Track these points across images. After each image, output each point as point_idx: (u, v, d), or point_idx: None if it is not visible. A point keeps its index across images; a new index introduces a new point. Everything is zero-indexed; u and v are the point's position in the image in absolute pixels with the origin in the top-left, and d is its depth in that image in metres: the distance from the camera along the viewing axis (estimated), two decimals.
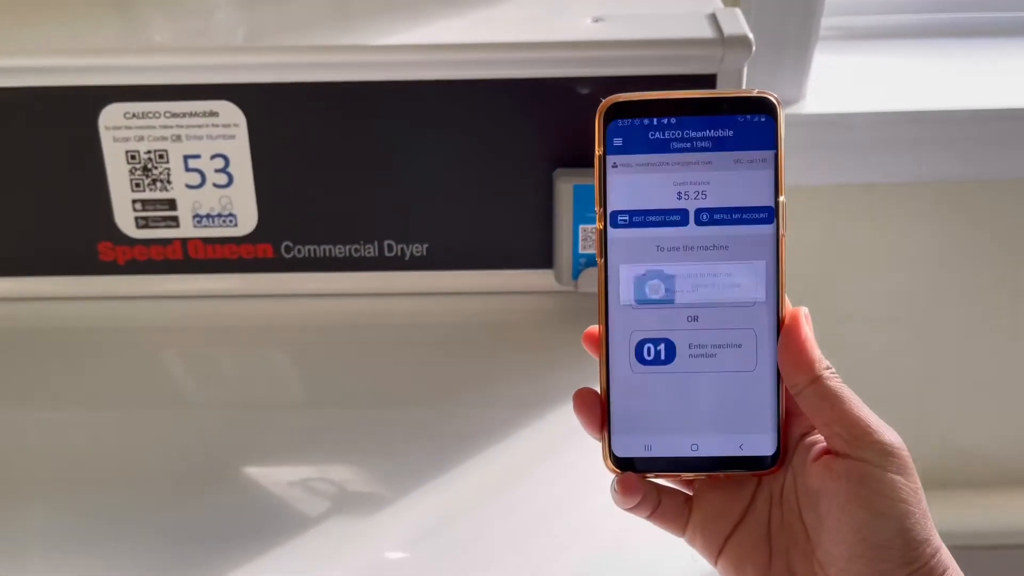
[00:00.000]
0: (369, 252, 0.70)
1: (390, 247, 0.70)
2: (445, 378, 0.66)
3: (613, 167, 0.38)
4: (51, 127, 0.66)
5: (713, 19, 0.64)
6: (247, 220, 0.69)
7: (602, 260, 0.39)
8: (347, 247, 0.69)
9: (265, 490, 0.58)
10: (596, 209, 0.39)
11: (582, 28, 0.65)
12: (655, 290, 0.39)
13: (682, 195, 0.38)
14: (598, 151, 0.39)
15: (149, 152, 0.66)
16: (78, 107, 0.65)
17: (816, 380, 0.37)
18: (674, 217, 0.38)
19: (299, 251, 0.70)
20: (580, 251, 0.68)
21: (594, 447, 0.59)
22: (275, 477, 0.59)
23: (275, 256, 0.70)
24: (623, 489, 0.39)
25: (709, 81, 0.63)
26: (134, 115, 0.65)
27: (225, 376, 0.69)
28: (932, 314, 1.00)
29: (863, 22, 0.95)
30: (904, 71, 0.91)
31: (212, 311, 0.70)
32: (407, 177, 0.67)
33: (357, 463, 0.60)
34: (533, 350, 0.68)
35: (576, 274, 0.69)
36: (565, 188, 0.66)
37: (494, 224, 0.69)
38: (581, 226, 0.67)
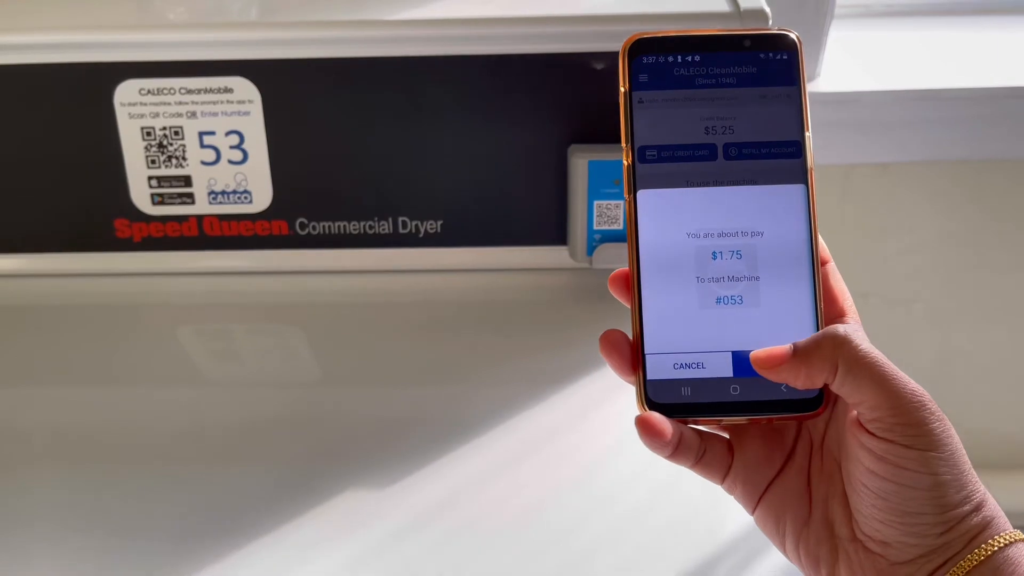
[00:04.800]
0: (383, 228, 0.70)
1: (404, 224, 0.70)
2: (459, 355, 0.66)
3: (639, 103, 0.38)
4: (67, 103, 0.66)
5: None
6: (262, 197, 0.69)
7: (630, 196, 0.38)
8: (361, 224, 0.69)
9: (280, 467, 0.58)
10: (622, 145, 0.38)
11: (597, 2, 0.64)
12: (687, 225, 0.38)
13: (709, 130, 0.38)
14: (623, 87, 0.38)
15: (164, 128, 0.67)
16: (93, 83, 0.65)
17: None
18: (702, 152, 0.38)
19: (314, 228, 0.70)
20: (595, 227, 0.68)
21: (611, 419, 0.59)
22: (289, 454, 0.59)
23: (290, 233, 0.70)
24: (645, 429, 0.36)
25: None
26: (149, 91, 0.65)
27: (239, 353, 0.69)
28: (947, 295, 0.99)
29: (879, 0, 0.95)
30: (920, 50, 0.91)
31: (227, 288, 0.71)
32: (421, 153, 0.67)
33: (370, 439, 0.60)
34: (547, 327, 0.67)
35: (591, 250, 0.69)
36: (580, 164, 0.66)
37: (508, 200, 0.69)
38: (596, 202, 0.67)
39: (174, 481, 0.57)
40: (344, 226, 0.70)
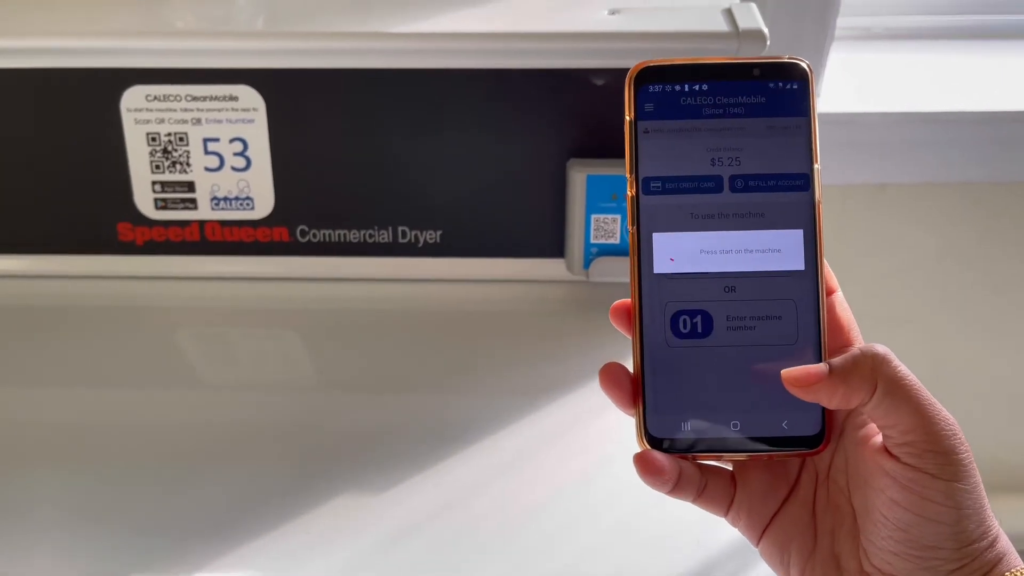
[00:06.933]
0: (383, 238, 0.70)
1: (404, 233, 0.70)
2: (455, 365, 0.66)
3: (644, 132, 0.37)
4: (74, 108, 0.67)
5: (728, 13, 0.65)
6: (264, 204, 0.69)
7: (634, 228, 0.37)
8: (361, 232, 0.70)
9: (277, 471, 0.58)
10: (627, 176, 0.37)
11: (598, 20, 0.65)
12: (690, 259, 0.37)
13: (716, 161, 0.37)
14: (628, 116, 0.37)
15: (169, 134, 0.67)
16: (101, 89, 0.66)
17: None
18: (708, 184, 0.37)
19: (314, 235, 0.70)
20: (592, 240, 0.68)
21: (605, 431, 0.59)
22: (286, 459, 0.59)
23: (291, 240, 0.70)
24: (644, 468, 0.36)
25: None
26: (155, 98, 0.66)
27: (239, 358, 0.70)
28: (944, 317, 1.00)
29: (879, 23, 0.96)
30: (919, 72, 0.92)
31: (228, 293, 0.71)
32: (422, 164, 0.68)
33: (366, 446, 0.60)
34: (543, 339, 0.68)
35: (587, 263, 0.69)
36: (578, 178, 0.66)
37: (507, 212, 0.70)
38: (593, 215, 0.68)
39: (172, 483, 0.57)
40: (344, 234, 0.70)
